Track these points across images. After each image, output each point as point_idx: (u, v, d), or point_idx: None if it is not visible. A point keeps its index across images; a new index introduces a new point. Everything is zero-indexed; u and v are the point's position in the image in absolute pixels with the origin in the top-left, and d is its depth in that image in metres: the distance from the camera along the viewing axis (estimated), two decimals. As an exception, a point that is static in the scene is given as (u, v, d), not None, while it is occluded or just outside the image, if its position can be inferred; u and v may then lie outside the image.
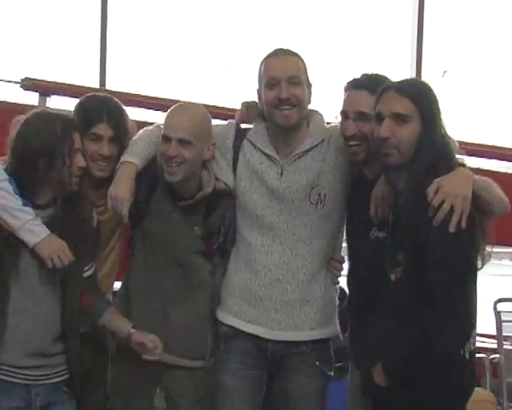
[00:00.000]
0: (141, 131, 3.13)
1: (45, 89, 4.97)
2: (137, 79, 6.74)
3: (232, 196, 3.12)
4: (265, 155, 3.07)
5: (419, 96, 2.67)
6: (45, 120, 2.81)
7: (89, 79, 6.67)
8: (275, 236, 3.05)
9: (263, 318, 3.05)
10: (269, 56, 3.06)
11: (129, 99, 4.23)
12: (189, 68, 7.25)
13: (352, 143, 2.94)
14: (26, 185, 2.78)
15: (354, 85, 2.97)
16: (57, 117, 2.84)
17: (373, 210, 2.87)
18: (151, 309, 3.07)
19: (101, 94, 3.28)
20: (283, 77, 2.95)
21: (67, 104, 4.69)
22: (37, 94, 4.94)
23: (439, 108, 2.71)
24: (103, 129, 3.03)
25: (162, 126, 3.05)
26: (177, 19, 7.50)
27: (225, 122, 3.24)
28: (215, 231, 3.10)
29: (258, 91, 3.08)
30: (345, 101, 2.98)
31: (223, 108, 4.55)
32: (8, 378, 2.83)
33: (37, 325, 2.85)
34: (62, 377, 2.94)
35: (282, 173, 3.04)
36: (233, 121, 3.22)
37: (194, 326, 3.10)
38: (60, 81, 5.15)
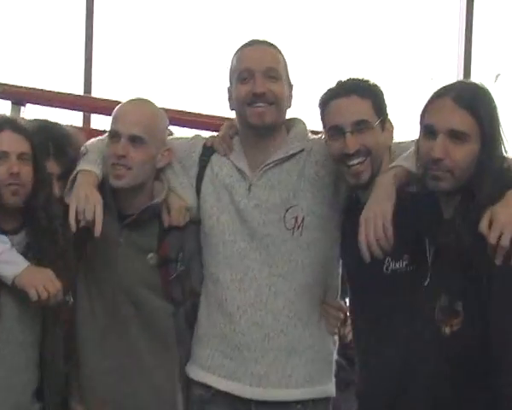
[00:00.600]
0: (92, 141, 2.76)
1: (19, 96, 4.47)
2: (126, 85, 6.35)
3: (194, 221, 2.69)
4: (235, 167, 2.64)
5: (480, 108, 2.23)
6: None
7: (73, 85, 6.28)
8: (247, 268, 2.61)
9: (240, 372, 2.62)
10: (242, 47, 2.63)
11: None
12: (179, 74, 6.85)
13: (355, 161, 2.48)
14: None
15: (341, 93, 2.52)
16: None
17: (364, 243, 2.35)
18: (103, 371, 2.67)
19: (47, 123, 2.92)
20: (259, 68, 2.53)
21: (44, 114, 4.32)
22: (9, 102, 4.46)
23: (499, 122, 2.28)
24: (50, 166, 2.72)
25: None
26: (167, 21, 7.09)
27: (191, 135, 2.84)
28: (172, 256, 2.68)
29: (229, 89, 2.64)
30: (333, 114, 2.52)
31: (213, 116, 4.17)
32: None
33: (15, 377, 2.55)
34: None
35: (249, 189, 2.61)
36: (200, 135, 2.81)
37: (159, 389, 2.68)
38: (36, 87, 4.68)
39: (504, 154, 2.29)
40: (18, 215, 2.62)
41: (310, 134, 2.75)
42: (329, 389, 2.71)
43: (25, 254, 2.53)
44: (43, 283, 2.43)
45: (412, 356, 2.39)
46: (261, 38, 2.67)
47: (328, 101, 2.54)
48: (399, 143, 2.65)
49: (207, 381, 2.66)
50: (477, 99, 2.27)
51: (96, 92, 6.34)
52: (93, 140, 2.80)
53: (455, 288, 2.24)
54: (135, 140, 2.58)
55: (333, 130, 2.52)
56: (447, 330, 2.25)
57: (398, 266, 2.47)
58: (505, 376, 2.13)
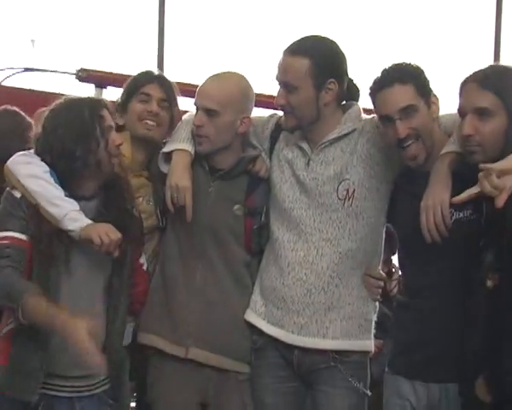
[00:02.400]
0: (185, 116, 2.99)
1: (101, 80, 4.96)
2: (195, 71, 6.71)
3: (266, 182, 2.91)
4: (297, 145, 2.86)
5: (504, 87, 2.40)
6: (70, 106, 2.66)
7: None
8: (301, 232, 2.79)
9: (285, 320, 2.79)
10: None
11: (187, 89, 4.12)
12: (249, 58, 7.17)
13: (408, 142, 2.61)
14: (67, 178, 2.64)
15: (385, 83, 2.63)
16: (81, 101, 2.69)
17: (425, 228, 2.53)
18: (194, 304, 2.84)
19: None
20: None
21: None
22: (92, 85, 4.95)
23: None
24: (153, 89, 2.96)
25: None
26: (236, 9, 7.50)
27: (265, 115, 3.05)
28: (258, 209, 2.88)
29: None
30: (381, 105, 2.65)
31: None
32: (51, 393, 2.63)
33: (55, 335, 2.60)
34: (104, 387, 2.74)
35: (308, 163, 2.80)
36: (276, 114, 3.01)
37: (240, 321, 2.88)
38: (115, 72, 5.06)
39: None
40: (91, 184, 2.72)
41: (363, 115, 2.89)
42: (365, 344, 2.82)
43: (94, 219, 2.65)
44: (106, 231, 2.56)
45: (460, 305, 2.54)
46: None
47: (375, 93, 2.65)
48: (444, 115, 2.75)
49: (259, 325, 2.84)
50: (502, 80, 2.42)
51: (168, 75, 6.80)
52: (185, 116, 2.96)
53: (498, 248, 2.37)
54: (209, 112, 2.77)
55: (383, 119, 2.64)
56: (490, 282, 2.38)
57: (461, 215, 2.59)
58: None
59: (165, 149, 2.88)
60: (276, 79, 2.78)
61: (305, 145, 2.81)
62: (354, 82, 2.85)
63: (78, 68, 4.95)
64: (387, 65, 2.67)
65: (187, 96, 3.10)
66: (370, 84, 2.68)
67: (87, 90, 4.86)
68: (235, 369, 2.86)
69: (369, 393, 2.83)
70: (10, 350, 2.58)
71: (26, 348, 2.57)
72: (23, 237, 2.55)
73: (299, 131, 2.84)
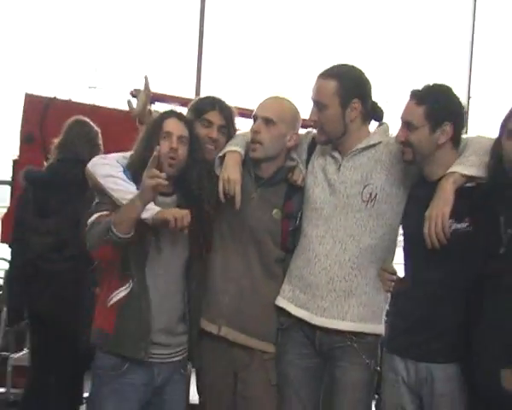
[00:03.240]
0: (237, 133, 3.33)
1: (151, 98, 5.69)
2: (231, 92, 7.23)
3: (302, 190, 3.22)
4: (329, 154, 3.16)
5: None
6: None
7: (186, 89, 7.30)
8: (328, 229, 3.09)
9: (310, 303, 3.09)
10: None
11: None
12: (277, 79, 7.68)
13: (403, 146, 2.98)
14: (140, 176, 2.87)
15: (410, 96, 2.96)
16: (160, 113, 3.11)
17: (427, 235, 2.84)
18: (228, 289, 3.17)
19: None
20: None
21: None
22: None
23: None
24: (214, 116, 3.24)
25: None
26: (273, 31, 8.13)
27: (305, 131, 3.37)
28: (294, 213, 3.19)
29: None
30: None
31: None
32: (132, 355, 2.94)
33: (166, 301, 3.00)
34: (181, 357, 3.09)
35: (339, 168, 3.11)
36: (312, 131, 3.32)
37: (267, 307, 3.18)
38: (161, 92, 5.83)
39: None
40: (171, 182, 2.95)
41: (390, 132, 3.17)
42: (378, 328, 3.11)
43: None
44: (176, 211, 2.85)
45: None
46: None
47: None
48: (474, 138, 3.04)
49: (287, 308, 3.14)
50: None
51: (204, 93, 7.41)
52: (237, 133, 3.32)
53: None
54: (267, 121, 3.12)
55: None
56: None
57: (459, 226, 2.86)
58: None
59: (220, 154, 3.21)
60: (311, 98, 3.12)
61: (336, 154, 3.14)
62: (378, 104, 3.18)
63: (134, 88, 5.59)
64: (432, 81, 3.00)
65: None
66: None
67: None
68: (260, 348, 3.18)
69: (378, 369, 3.13)
70: (115, 320, 2.94)
71: (129, 317, 2.93)
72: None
73: (331, 144, 3.16)
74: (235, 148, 3.20)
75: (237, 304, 3.17)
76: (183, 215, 2.84)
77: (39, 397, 4.00)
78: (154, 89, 5.72)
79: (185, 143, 3.03)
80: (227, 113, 3.29)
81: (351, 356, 3.05)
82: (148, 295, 2.95)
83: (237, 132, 3.34)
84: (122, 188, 2.94)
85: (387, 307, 3.18)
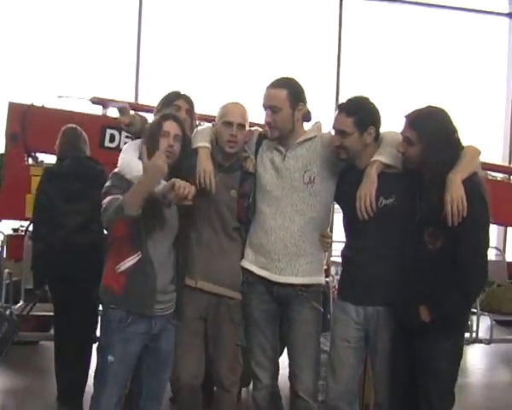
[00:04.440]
0: (200, 128, 3.94)
1: (105, 103, 6.41)
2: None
3: (254, 176, 3.76)
4: (274, 147, 3.71)
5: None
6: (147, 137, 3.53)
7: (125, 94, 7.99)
8: (278, 206, 3.66)
9: (270, 265, 3.68)
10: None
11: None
12: (215, 82, 8.13)
13: (338, 150, 3.53)
14: None
15: (339, 109, 3.53)
16: (157, 117, 3.57)
17: (359, 210, 3.44)
18: (201, 252, 3.72)
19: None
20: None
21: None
22: (100, 107, 6.39)
23: None
24: (182, 102, 4.00)
25: (213, 124, 3.79)
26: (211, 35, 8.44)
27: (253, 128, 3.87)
28: (247, 193, 3.73)
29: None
30: (334, 121, 3.54)
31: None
32: (139, 311, 3.39)
33: (163, 267, 3.46)
34: (171, 310, 3.55)
35: (284, 158, 3.66)
36: (258, 129, 3.86)
37: (232, 265, 3.77)
38: (114, 98, 6.54)
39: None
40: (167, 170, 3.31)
41: (322, 129, 3.74)
42: (320, 279, 3.75)
43: None
44: (185, 183, 3.22)
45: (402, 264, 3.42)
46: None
47: (336, 111, 3.54)
48: (386, 133, 3.58)
49: (251, 269, 3.73)
50: (422, 125, 3.33)
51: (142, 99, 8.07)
52: (200, 128, 3.93)
53: (436, 224, 3.26)
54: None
55: (333, 129, 3.56)
56: (431, 246, 3.31)
57: (388, 202, 3.47)
58: (467, 278, 3.24)
59: (192, 146, 3.71)
60: (263, 105, 3.65)
61: (280, 147, 3.71)
62: (308, 108, 3.74)
63: (92, 96, 6.37)
64: (350, 96, 3.57)
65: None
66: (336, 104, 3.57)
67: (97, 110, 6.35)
68: (228, 295, 3.75)
69: (322, 309, 3.78)
70: (125, 283, 3.37)
71: (138, 282, 3.39)
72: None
73: (276, 139, 3.72)
74: (204, 144, 3.75)
75: (209, 262, 3.73)
76: (187, 185, 3.25)
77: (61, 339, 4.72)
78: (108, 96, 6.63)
79: (179, 140, 3.51)
80: (189, 100, 4.09)
81: (302, 302, 3.69)
82: (153, 263, 3.40)
83: (199, 128, 3.97)
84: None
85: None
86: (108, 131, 5.96)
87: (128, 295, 3.37)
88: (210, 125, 4.02)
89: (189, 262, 3.70)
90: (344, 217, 3.74)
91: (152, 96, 7.72)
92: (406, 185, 3.44)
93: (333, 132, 3.58)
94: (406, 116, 3.40)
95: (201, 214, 3.72)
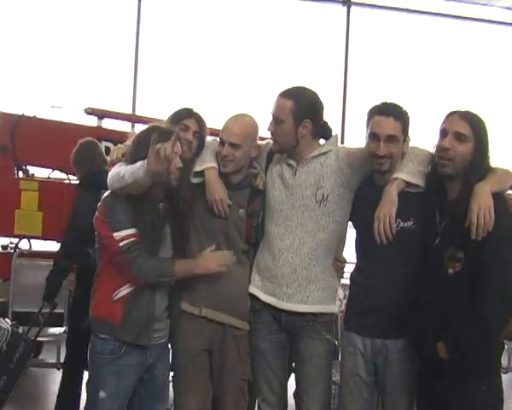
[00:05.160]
0: (207, 143, 3.60)
1: (101, 114, 6.15)
2: (162, 106, 7.42)
3: (263, 193, 3.51)
4: (285, 162, 3.46)
5: (476, 123, 3.05)
6: (150, 134, 3.18)
7: (123, 105, 7.77)
8: (287, 226, 3.40)
9: (277, 291, 3.41)
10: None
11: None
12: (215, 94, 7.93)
13: (382, 160, 3.22)
14: None
15: (384, 112, 3.22)
16: (158, 128, 3.26)
17: (376, 232, 3.16)
18: (206, 276, 3.38)
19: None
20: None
21: (114, 125, 6.00)
22: (95, 118, 6.12)
23: (487, 138, 3.08)
24: (191, 123, 3.55)
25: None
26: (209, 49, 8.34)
27: (265, 142, 3.63)
28: (256, 213, 3.49)
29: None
30: (374, 125, 3.22)
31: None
32: (136, 341, 3.21)
33: (160, 292, 3.31)
34: (165, 339, 3.38)
35: (295, 173, 3.40)
36: (270, 142, 3.57)
37: (239, 288, 3.49)
38: (110, 110, 6.35)
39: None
40: (158, 190, 3.24)
41: (339, 143, 3.52)
42: (333, 308, 3.46)
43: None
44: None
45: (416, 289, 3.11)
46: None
47: (374, 114, 3.22)
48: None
49: (257, 295, 3.47)
50: (475, 118, 3.05)
51: (139, 111, 7.85)
52: (207, 143, 3.60)
53: (457, 243, 2.97)
54: (233, 145, 3.41)
55: (372, 135, 3.21)
56: (451, 270, 2.99)
57: (406, 225, 3.21)
58: (487, 305, 2.89)
59: (197, 169, 3.50)
60: (271, 112, 3.39)
61: (291, 161, 3.43)
62: (328, 124, 3.48)
63: (86, 107, 6.09)
64: (388, 99, 3.29)
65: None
66: (372, 107, 3.25)
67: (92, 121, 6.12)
68: (236, 325, 3.47)
69: (335, 342, 3.50)
70: (123, 311, 3.18)
71: (137, 310, 3.21)
72: (134, 230, 3.16)
73: (287, 153, 3.46)
74: (211, 164, 3.50)
75: (215, 288, 3.44)
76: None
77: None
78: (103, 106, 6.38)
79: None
80: (201, 121, 3.62)
81: (313, 333, 3.41)
82: (152, 289, 3.25)
83: (207, 143, 3.62)
84: (129, 170, 3.13)
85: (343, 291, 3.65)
86: (104, 144, 5.59)
87: (126, 325, 3.19)
88: (216, 138, 3.69)
89: (191, 288, 3.46)
90: (357, 237, 3.47)
91: (151, 107, 7.91)
92: (427, 207, 3.16)
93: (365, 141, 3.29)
94: (452, 112, 3.08)
95: (205, 232, 3.49)
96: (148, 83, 8.34)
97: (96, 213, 3.20)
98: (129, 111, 7.74)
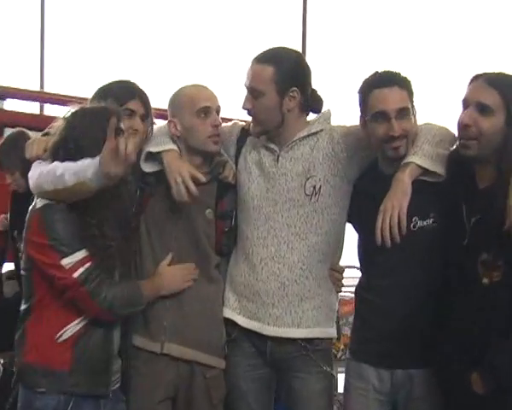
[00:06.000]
0: (155, 129, 3.04)
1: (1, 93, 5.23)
2: (75, 82, 6.93)
3: (234, 188, 2.99)
4: (263, 146, 2.93)
5: (509, 90, 2.50)
6: (86, 115, 2.66)
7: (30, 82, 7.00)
8: (270, 228, 2.86)
9: (261, 313, 2.88)
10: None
11: (68, 100, 4.25)
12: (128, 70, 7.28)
13: (398, 143, 2.70)
14: None
15: (383, 83, 2.71)
16: (102, 111, 2.68)
17: (379, 229, 2.61)
18: (166, 301, 2.89)
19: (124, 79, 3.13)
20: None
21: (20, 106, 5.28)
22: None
23: None
24: (136, 105, 2.93)
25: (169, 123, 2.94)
26: (115, 19, 7.77)
27: (230, 123, 3.14)
28: (228, 213, 2.96)
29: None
30: (378, 101, 2.70)
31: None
32: (90, 391, 2.70)
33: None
34: (119, 384, 2.83)
35: (278, 160, 2.88)
36: (239, 122, 3.12)
37: (210, 313, 2.95)
38: (14, 87, 5.42)
39: None
40: None
41: (331, 119, 2.91)
42: (331, 331, 2.94)
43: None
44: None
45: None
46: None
47: (371, 89, 2.69)
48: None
49: (235, 319, 2.92)
50: (509, 83, 2.51)
51: (48, 87, 7.11)
52: (154, 128, 3.01)
53: (495, 247, 2.45)
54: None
55: (377, 115, 2.66)
56: (486, 280, 2.47)
57: (425, 223, 2.68)
58: None
59: (153, 149, 2.89)
60: (245, 85, 2.86)
61: (272, 145, 2.88)
62: (318, 93, 2.94)
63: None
64: (379, 68, 2.76)
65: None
66: (363, 82, 2.73)
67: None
68: (208, 362, 2.91)
69: (335, 375, 3.02)
70: (72, 356, 2.64)
71: (90, 352, 2.66)
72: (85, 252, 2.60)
73: (266, 135, 2.92)
74: (170, 146, 2.91)
75: (178, 315, 2.88)
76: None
77: None
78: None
79: None
80: (146, 98, 2.98)
81: (308, 366, 2.87)
82: (110, 324, 2.70)
83: (156, 129, 3.04)
84: (71, 169, 2.53)
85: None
86: (7, 132, 4.63)
87: (77, 372, 2.65)
88: (164, 122, 3.02)
89: (148, 316, 2.88)
90: (360, 242, 2.93)
91: (63, 82, 7.22)
92: (450, 199, 2.63)
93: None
94: (476, 76, 2.54)
95: (163, 243, 2.91)
96: (57, 52, 7.53)
97: (24, 232, 2.65)
98: (36, 88, 6.94)
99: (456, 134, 2.60)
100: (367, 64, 7.48)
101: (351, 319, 4.15)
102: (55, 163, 2.58)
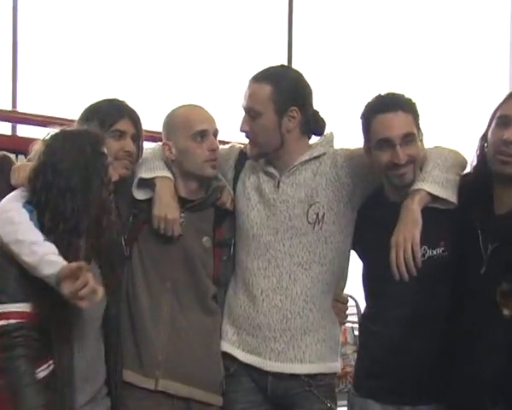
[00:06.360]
0: (146, 152, 2.93)
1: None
2: (49, 101, 6.68)
3: (233, 214, 2.90)
4: (263, 170, 2.84)
5: None
6: (71, 141, 2.51)
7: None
8: (271, 258, 2.78)
9: (262, 347, 2.80)
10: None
11: (42, 121, 3.98)
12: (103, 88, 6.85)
13: (403, 170, 2.62)
14: (63, 215, 2.43)
15: (387, 108, 2.62)
16: (82, 135, 2.54)
17: (394, 263, 2.52)
18: (160, 334, 2.78)
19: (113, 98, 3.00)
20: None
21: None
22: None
23: None
24: (126, 125, 2.81)
25: (162, 144, 2.85)
26: (97, 32, 7.42)
27: (228, 145, 3.06)
28: (227, 241, 2.87)
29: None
30: (382, 127, 2.62)
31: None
32: None
33: (91, 368, 2.57)
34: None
35: (278, 185, 2.80)
36: (236, 145, 3.03)
37: (208, 346, 2.84)
38: None
39: None
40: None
41: (334, 143, 2.88)
42: (336, 365, 2.87)
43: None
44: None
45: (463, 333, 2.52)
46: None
47: (374, 115, 2.62)
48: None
49: (234, 354, 2.82)
50: None
51: (21, 107, 6.76)
52: (146, 151, 2.92)
53: None
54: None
55: (381, 142, 2.59)
56: (507, 311, 2.39)
57: (435, 252, 2.60)
58: None
59: (145, 175, 2.78)
60: (242, 106, 2.78)
61: (271, 169, 2.79)
62: (320, 114, 2.84)
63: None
64: (382, 92, 2.67)
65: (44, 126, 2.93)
66: (365, 107, 2.66)
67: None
68: (205, 400, 2.81)
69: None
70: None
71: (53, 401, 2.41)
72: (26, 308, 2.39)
73: (264, 158, 2.83)
74: (164, 173, 2.80)
75: (174, 349, 2.76)
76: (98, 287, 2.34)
77: None
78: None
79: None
80: (136, 117, 2.86)
81: (311, 403, 2.77)
82: (73, 371, 2.47)
83: (148, 152, 2.91)
84: (25, 239, 2.38)
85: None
86: None
87: None
88: (156, 144, 2.93)
89: (141, 349, 2.76)
90: (365, 271, 2.84)
91: (37, 101, 6.96)
92: (463, 225, 2.56)
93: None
94: None
95: (158, 272, 2.80)
96: (31, 69, 7.19)
97: None
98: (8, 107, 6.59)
99: (492, 151, 2.49)
100: (356, 77, 7.20)
101: (343, 350, 3.93)
102: (29, 225, 2.41)
